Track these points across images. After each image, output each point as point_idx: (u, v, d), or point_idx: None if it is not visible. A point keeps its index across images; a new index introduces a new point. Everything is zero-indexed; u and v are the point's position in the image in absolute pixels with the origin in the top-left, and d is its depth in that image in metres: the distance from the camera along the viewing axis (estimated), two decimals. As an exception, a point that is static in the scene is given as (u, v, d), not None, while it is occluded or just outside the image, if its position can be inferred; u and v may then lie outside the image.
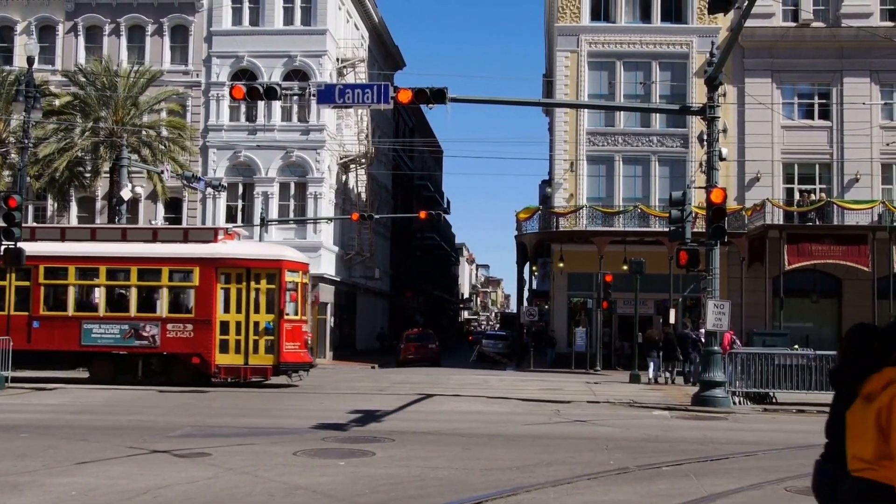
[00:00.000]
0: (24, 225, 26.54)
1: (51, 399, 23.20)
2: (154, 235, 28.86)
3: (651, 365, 33.88)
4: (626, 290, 40.44)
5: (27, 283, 27.61)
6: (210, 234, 28.72)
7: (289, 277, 27.62)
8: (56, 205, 47.21)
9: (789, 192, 45.22)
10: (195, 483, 11.37)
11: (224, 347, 27.00)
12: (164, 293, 27.73)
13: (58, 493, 10.75)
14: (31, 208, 48.84)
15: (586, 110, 46.38)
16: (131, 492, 10.81)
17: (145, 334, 27.11)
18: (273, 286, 27.24)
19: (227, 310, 27.28)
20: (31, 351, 27.00)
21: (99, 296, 28.21)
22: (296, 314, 27.97)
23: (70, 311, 27.58)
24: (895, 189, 44.91)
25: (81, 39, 49.82)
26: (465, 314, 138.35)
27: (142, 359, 27.52)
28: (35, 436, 15.41)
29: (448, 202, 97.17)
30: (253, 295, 27.19)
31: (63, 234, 29.09)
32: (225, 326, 27.14)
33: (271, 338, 27.05)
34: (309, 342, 29.62)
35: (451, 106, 22.93)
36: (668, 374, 34.30)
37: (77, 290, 28.10)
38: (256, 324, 27.14)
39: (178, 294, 28.19)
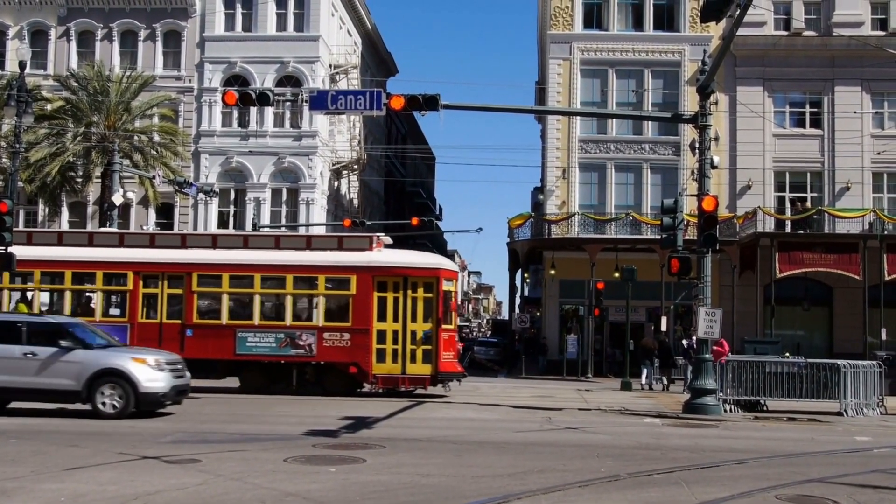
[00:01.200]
0: (178, 232, 26.34)
1: (42, 405, 23.07)
2: (308, 243, 28.25)
3: (644, 372, 33.95)
4: (617, 298, 40.47)
5: (180, 291, 27.17)
6: (365, 242, 28.22)
7: (445, 286, 27.22)
8: (47, 210, 47.09)
9: (781, 201, 45.35)
10: (185, 489, 11.33)
11: (381, 357, 26.65)
12: (321, 301, 27.19)
13: (47, 498, 10.71)
14: (22, 213, 48.73)
15: (579, 118, 46.47)
16: (121, 498, 10.76)
17: (301, 343, 26.68)
18: (430, 295, 26.82)
19: (383, 318, 26.82)
20: (184, 360, 26.80)
21: (253, 304, 27.49)
22: (449, 323, 27.58)
23: (224, 320, 27.04)
24: (886, 197, 45.08)
25: (74, 44, 49.74)
26: (458, 321, 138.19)
27: (296, 368, 27.09)
28: (24, 441, 15.33)
29: (440, 209, 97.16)
30: (410, 303, 26.76)
31: (215, 242, 28.43)
32: (381, 335, 26.77)
33: (428, 347, 26.72)
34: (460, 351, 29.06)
35: (443, 113, 22.93)
36: (664, 381, 34.37)
37: (230, 298, 27.47)
38: (413, 333, 26.78)
39: (335, 302, 27.46)
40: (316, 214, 48.75)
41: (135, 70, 46.47)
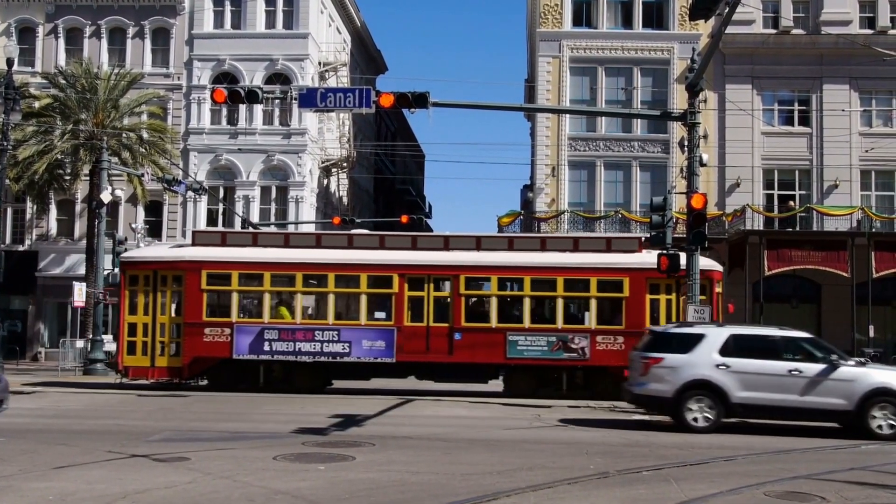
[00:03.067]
0: (441, 234, 27.46)
1: (29, 403, 23.04)
2: (575, 245, 27.88)
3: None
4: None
5: (446, 294, 26.94)
6: (634, 244, 27.92)
7: (717, 288, 27.03)
8: (35, 207, 46.92)
9: (769, 198, 45.45)
10: (174, 488, 11.32)
11: None
12: (593, 304, 26.96)
13: (35, 497, 10.68)
14: (10, 211, 48.56)
15: (568, 116, 46.50)
16: (109, 496, 10.74)
17: (574, 346, 26.34)
18: (704, 297, 26.22)
19: (655, 321, 26.48)
20: (453, 364, 26.21)
21: (522, 307, 27.06)
22: None
23: (493, 323, 26.69)
24: (874, 195, 45.23)
25: (62, 41, 49.59)
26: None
27: (566, 371, 26.84)
28: (12, 440, 15.29)
29: (430, 206, 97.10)
30: (683, 306, 26.12)
31: (479, 244, 27.88)
32: None
33: None
34: None
35: (433, 110, 22.92)
36: None
37: (499, 300, 27.09)
38: None
39: (607, 305, 27.14)
40: (305, 212, 48.71)
41: (123, 67, 46.31)
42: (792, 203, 44.41)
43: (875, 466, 14.12)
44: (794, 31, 45.74)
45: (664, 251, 24.15)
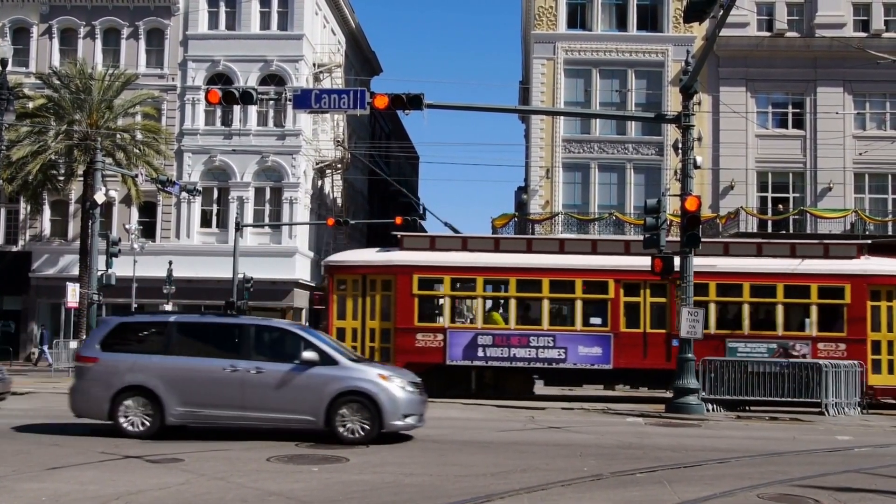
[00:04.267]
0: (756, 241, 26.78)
1: (22, 404, 22.99)
2: (792, 251, 27.62)
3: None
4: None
5: (663, 300, 26.73)
6: (852, 250, 27.66)
7: None
8: (29, 208, 46.86)
9: (763, 201, 45.54)
10: (167, 489, 11.29)
11: (877, 367, 26.22)
12: (813, 311, 26.70)
13: (28, 498, 10.65)
14: (3, 211, 48.52)
15: (562, 117, 46.54)
16: (102, 497, 10.71)
17: (795, 353, 26.11)
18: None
19: (876, 328, 26.36)
20: (671, 371, 25.20)
21: (741, 313, 26.87)
22: None
23: (712, 329, 26.33)
24: (867, 198, 45.32)
25: (56, 42, 49.53)
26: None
27: None
28: (5, 441, 15.25)
29: (424, 208, 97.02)
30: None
31: (726, 249, 27.85)
32: (876, 346, 26.33)
33: None
34: None
35: (427, 112, 22.93)
36: None
37: (718, 306, 26.87)
38: None
39: (827, 312, 26.83)
40: (299, 213, 48.69)
41: (117, 68, 46.29)
42: (781, 206, 44.48)
43: (868, 469, 14.13)
44: (789, 34, 45.83)
45: (657, 253, 24.16)
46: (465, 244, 28.08)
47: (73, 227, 47.53)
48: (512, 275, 26.89)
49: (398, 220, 53.09)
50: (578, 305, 26.95)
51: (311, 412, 15.53)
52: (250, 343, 16.19)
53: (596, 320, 27.09)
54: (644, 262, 25.41)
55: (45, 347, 44.54)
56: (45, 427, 17.49)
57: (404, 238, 28.67)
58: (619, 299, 26.79)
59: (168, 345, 16.25)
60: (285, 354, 15.99)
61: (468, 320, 27.88)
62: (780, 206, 44.55)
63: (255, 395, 15.64)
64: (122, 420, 15.77)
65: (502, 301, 27.79)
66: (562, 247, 28.00)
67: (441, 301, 27.37)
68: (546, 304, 26.95)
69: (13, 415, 20.00)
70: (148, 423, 15.74)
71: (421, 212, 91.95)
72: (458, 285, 27.22)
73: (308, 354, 15.71)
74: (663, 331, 26.54)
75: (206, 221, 48.77)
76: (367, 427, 15.47)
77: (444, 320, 27.02)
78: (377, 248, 29.55)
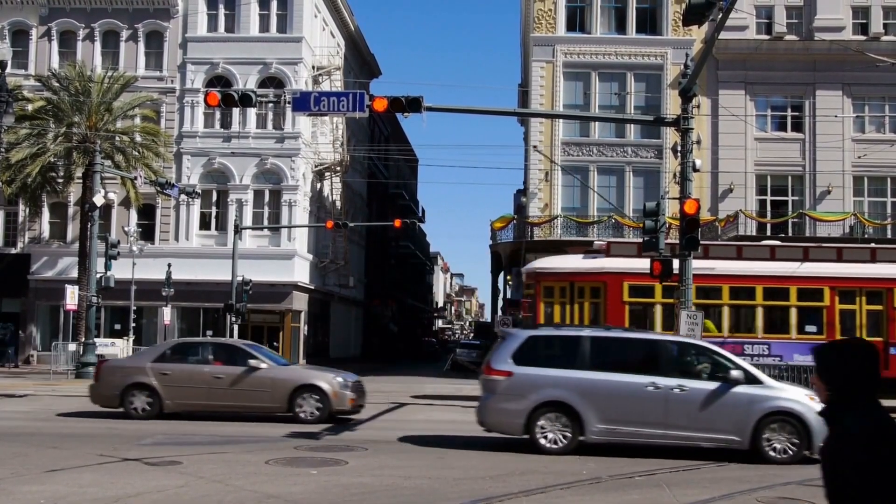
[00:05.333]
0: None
1: (21, 406, 22.99)
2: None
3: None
4: (600, 300, 40.48)
5: (879, 308, 26.54)
6: None
7: None
8: (28, 210, 46.86)
9: (762, 204, 45.55)
10: (166, 491, 11.29)
11: None
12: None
13: (27, 501, 10.65)
14: (2, 213, 48.51)
15: (561, 120, 46.53)
16: (101, 500, 10.71)
17: None
18: None
19: None
20: (888, 379, 24.73)
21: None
22: None
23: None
24: (866, 201, 45.33)
25: (55, 44, 49.51)
26: (440, 323, 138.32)
27: None
28: (4, 443, 15.24)
29: (423, 211, 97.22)
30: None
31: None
32: None
33: None
34: None
35: (426, 115, 22.92)
36: None
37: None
38: None
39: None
40: (298, 216, 48.67)
41: (117, 70, 46.24)
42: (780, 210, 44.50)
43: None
44: (788, 37, 45.84)
45: (656, 256, 24.16)
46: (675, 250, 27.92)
47: (72, 230, 47.50)
48: (724, 282, 26.60)
49: (397, 222, 53.17)
50: (793, 313, 26.66)
51: (737, 432, 15.05)
52: (669, 359, 15.97)
53: (811, 328, 26.84)
54: (862, 269, 25.45)
55: (11, 349, 44.68)
56: (44, 429, 17.48)
57: (612, 244, 28.37)
58: (833, 307, 26.54)
59: (582, 359, 15.71)
60: (706, 372, 15.70)
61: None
62: (780, 209, 44.53)
63: (679, 414, 15.19)
64: (538, 436, 15.38)
65: (713, 308, 27.37)
66: (773, 253, 27.68)
67: (652, 309, 26.95)
68: (760, 312, 26.62)
69: (13, 416, 20.01)
70: (566, 440, 15.31)
71: (420, 214, 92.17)
72: (668, 292, 26.76)
73: (735, 373, 15.31)
74: (879, 339, 26.13)
75: (204, 224, 48.75)
76: (795, 448, 14.98)
77: (656, 327, 26.57)
78: (582, 255, 29.12)
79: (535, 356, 15.97)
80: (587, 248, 30.22)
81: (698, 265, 25.99)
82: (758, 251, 28.09)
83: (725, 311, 26.69)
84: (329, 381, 19.69)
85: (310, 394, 19.38)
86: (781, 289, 26.56)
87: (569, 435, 15.26)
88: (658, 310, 26.54)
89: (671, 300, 26.42)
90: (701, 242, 28.49)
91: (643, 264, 26.52)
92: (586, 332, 16.56)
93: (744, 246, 29.24)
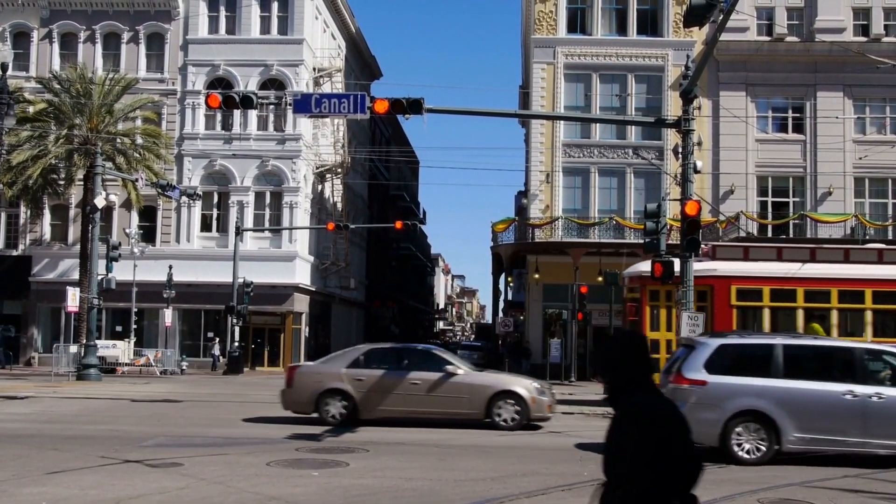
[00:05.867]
0: None
1: (22, 408, 22.99)
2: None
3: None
4: (601, 302, 40.62)
5: None
6: None
7: None
8: (29, 212, 46.87)
9: (763, 205, 45.54)
10: (167, 493, 11.29)
11: None
12: None
13: (28, 502, 10.66)
14: (3, 215, 48.53)
15: (562, 122, 46.53)
16: (102, 502, 10.72)
17: None
18: None
19: None
20: None
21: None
22: None
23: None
24: (868, 202, 45.32)
25: (56, 46, 49.52)
26: (441, 324, 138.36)
27: None
28: (5, 445, 15.24)
29: (424, 212, 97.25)
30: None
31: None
32: None
33: None
34: None
35: (427, 116, 22.93)
36: None
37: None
38: None
39: None
40: (299, 218, 48.67)
41: (118, 72, 46.24)
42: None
43: (868, 474, 14.12)
44: (788, 39, 45.84)
45: (657, 258, 24.18)
46: (780, 254, 27.44)
47: (74, 232, 47.51)
48: (833, 285, 26.11)
49: (398, 224, 53.21)
50: None
51: None
52: (864, 367, 15.69)
53: None
54: None
55: (9, 352, 44.69)
56: (45, 431, 17.48)
57: (717, 248, 28.25)
58: None
59: (776, 368, 15.40)
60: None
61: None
62: (780, 210, 44.51)
63: (878, 422, 14.96)
64: (734, 446, 14.98)
65: (819, 312, 26.81)
66: (880, 257, 27.20)
67: (760, 312, 26.85)
68: (869, 316, 26.17)
69: (13, 419, 20.00)
70: (762, 450, 14.93)
71: (421, 216, 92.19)
72: (777, 296, 26.40)
73: None
74: None
75: (206, 226, 48.76)
76: None
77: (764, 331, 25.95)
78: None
79: (727, 365, 15.62)
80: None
81: (815, 270, 25.91)
82: (867, 255, 27.89)
83: (834, 316, 26.48)
84: (526, 386, 19.64)
85: (507, 400, 19.28)
86: (890, 292, 26.23)
87: (765, 445, 14.98)
88: (766, 313, 26.41)
89: (781, 303, 26.24)
90: (808, 246, 28.34)
91: (750, 268, 26.36)
92: (779, 340, 16.22)
93: (852, 249, 28.96)
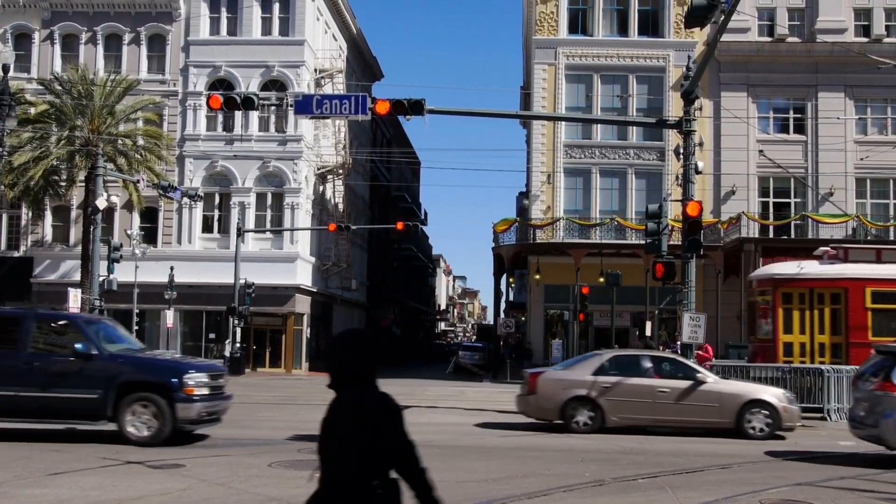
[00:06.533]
0: None
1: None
2: None
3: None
4: (602, 303, 40.63)
5: None
6: None
7: None
8: (30, 214, 46.89)
9: (765, 206, 45.54)
10: (169, 494, 11.28)
11: None
12: None
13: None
14: (5, 217, 48.53)
15: (563, 123, 46.54)
16: (104, 503, 10.71)
17: None
18: None
19: None
20: None
21: None
22: None
23: None
24: (869, 203, 45.32)
25: (58, 48, 49.52)
26: (442, 325, 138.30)
27: None
28: (6, 446, 15.23)
29: (425, 213, 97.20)
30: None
31: None
32: None
33: None
34: None
35: (428, 117, 22.95)
36: None
37: None
38: None
39: None
40: (301, 219, 48.67)
41: (119, 74, 46.24)
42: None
43: (870, 475, 14.11)
44: (790, 39, 45.84)
45: (658, 258, 24.17)
46: None
47: (75, 233, 47.51)
48: None
49: (399, 225, 53.18)
50: None
51: None
52: None
53: None
54: None
55: None
56: (46, 432, 17.47)
57: (850, 251, 28.16)
58: None
59: None
60: None
61: None
62: (782, 211, 44.50)
63: None
64: None
65: None
66: None
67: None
68: None
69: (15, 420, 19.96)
70: None
71: (423, 217, 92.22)
72: None
73: None
74: None
75: (207, 227, 48.75)
76: None
77: None
78: (818, 261, 28.73)
79: None
80: (810, 254, 29.82)
81: None
82: None
83: None
84: (777, 395, 19.46)
85: (759, 409, 19.10)
86: None
87: None
88: None
89: None
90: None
91: (885, 270, 26.32)
92: None
93: None
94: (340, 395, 4.87)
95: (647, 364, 20.07)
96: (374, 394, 4.87)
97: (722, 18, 20.25)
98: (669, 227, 26.87)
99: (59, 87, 43.73)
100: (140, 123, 46.62)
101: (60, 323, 17.32)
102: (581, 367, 20.13)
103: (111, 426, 15.85)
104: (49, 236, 48.72)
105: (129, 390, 15.68)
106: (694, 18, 20.12)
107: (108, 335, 17.08)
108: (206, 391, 16.18)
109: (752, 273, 31.80)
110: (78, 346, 15.80)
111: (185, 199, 42.18)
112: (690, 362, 20.79)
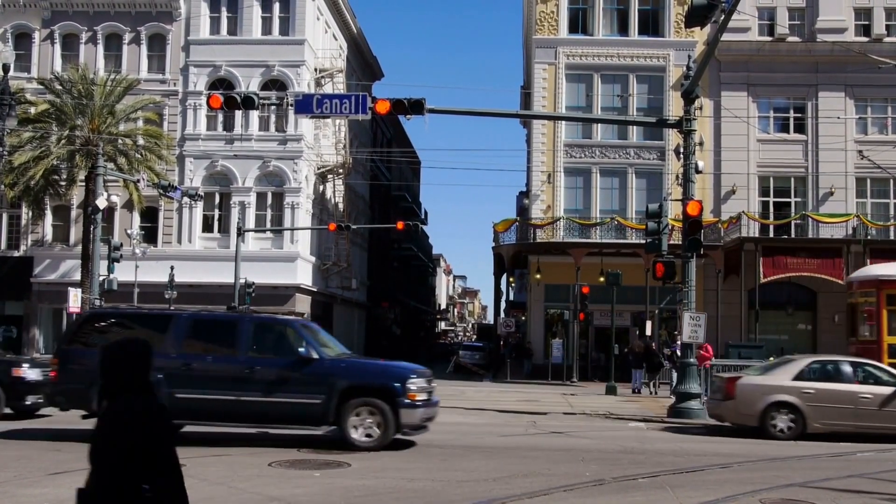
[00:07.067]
0: None
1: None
2: None
3: (635, 376, 34.15)
4: (602, 302, 40.55)
5: None
6: None
7: None
8: (31, 213, 46.88)
9: (765, 205, 45.52)
10: (169, 494, 11.26)
11: None
12: None
13: (29, 504, 10.66)
14: (5, 216, 48.52)
15: (564, 122, 46.52)
16: (104, 503, 10.69)
17: None
18: None
19: None
20: None
21: None
22: None
23: None
24: (869, 202, 45.30)
25: (58, 47, 49.50)
26: (442, 325, 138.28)
27: None
28: (6, 446, 15.24)
29: (425, 213, 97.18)
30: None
31: None
32: None
33: None
34: None
35: (428, 117, 22.95)
36: (651, 387, 34.49)
37: None
38: None
39: None
40: (301, 219, 48.65)
41: (119, 73, 46.20)
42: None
43: (871, 474, 14.12)
44: (790, 39, 45.81)
45: (658, 258, 24.19)
46: None
47: (75, 233, 47.48)
48: None
49: (400, 225, 53.18)
50: None
51: None
52: None
53: None
54: None
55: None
56: (46, 432, 17.48)
57: None
58: None
59: None
60: None
61: None
62: (782, 211, 44.48)
63: None
64: None
65: None
66: None
67: None
68: None
69: (14, 420, 19.98)
70: None
71: (423, 216, 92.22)
72: None
73: None
74: None
75: (207, 226, 48.72)
76: None
77: None
78: None
79: None
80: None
81: None
82: None
83: None
84: None
85: None
86: None
87: None
88: None
89: None
90: None
91: None
92: None
93: None
94: (111, 405, 4.80)
95: (848, 369, 19.98)
96: (145, 402, 4.79)
97: (722, 18, 20.27)
98: (669, 227, 26.92)
99: (60, 87, 43.72)
100: (140, 123, 46.60)
101: (277, 327, 17.06)
102: (780, 373, 19.98)
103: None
104: (49, 236, 48.70)
105: (352, 395, 15.49)
106: (694, 18, 20.14)
107: (321, 339, 16.99)
108: (425, 396, 16.07)
109: (852, 274, 31.73)
110: (301, 350, 15.77)
111: (186, 199, 42.17)
112: (889, 368, 20.59)
